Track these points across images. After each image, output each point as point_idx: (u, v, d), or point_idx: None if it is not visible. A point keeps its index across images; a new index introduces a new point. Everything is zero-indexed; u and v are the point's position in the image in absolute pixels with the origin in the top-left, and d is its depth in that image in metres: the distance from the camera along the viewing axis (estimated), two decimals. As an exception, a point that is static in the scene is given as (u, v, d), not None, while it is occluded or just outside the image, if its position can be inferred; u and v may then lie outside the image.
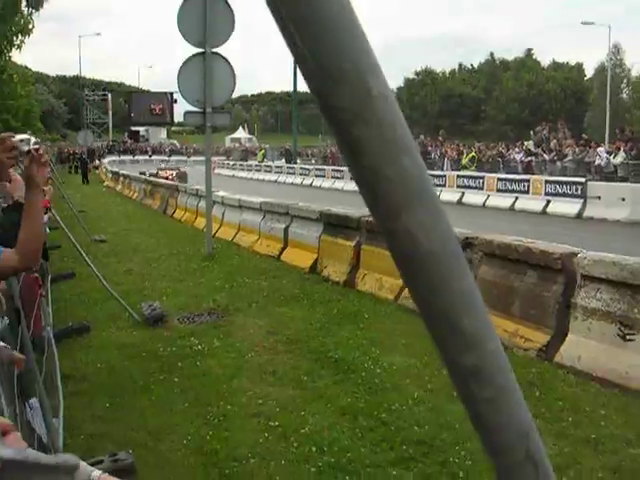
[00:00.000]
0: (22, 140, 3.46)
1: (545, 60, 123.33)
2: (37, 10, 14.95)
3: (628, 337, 7.16)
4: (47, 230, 11.93)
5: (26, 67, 66.82)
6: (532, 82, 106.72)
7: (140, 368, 7.93)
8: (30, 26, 15.26)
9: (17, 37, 15.42)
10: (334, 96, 0.51)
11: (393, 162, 0.53)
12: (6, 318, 4.03)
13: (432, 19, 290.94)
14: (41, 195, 3.37)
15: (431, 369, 7.57)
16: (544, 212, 25.95)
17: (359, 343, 8.73)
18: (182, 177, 45.07)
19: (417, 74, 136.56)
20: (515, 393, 0.64)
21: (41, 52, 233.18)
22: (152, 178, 32.88)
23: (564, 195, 25.66)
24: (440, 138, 45.38)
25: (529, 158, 34.10)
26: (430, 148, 42.10)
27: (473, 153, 36.14)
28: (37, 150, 3.33)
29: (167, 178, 41.07)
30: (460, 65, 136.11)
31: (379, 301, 10.71)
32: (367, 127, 0.52)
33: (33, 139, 3.46)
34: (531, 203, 26.85)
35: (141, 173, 44.87)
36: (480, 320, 0.60)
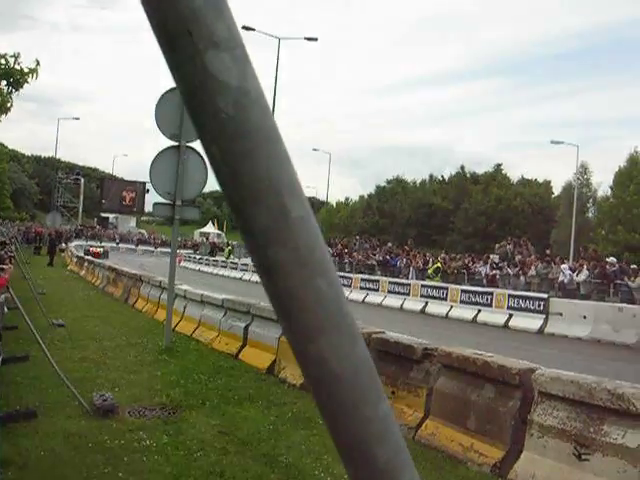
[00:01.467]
0: None
1: (514, 175, 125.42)
2: (17, 90, 15.03)
3: (583, 457, 7.12)
4: (5, 309, 11.79)
5: (2, 144, 66.99)
6: (501, 197, 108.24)
7: (85, 459, 7.73)
8: (8, 104, 15.32)
9: (-6, 114, 15.48)
10: (252, 217, 0.51)
11: (309, 285, 0.52)
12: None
13: (404, 129, 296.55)
14: None
15: (382, 480, 7.46)
16: (506, 326, 26.09)
17: (311, 449, 8.60)
18: (105, 254, 62.14)
19: (388, 182, 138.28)
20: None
21: (18, 131, 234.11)
22: (116, 266, 32.75)
23: (526, 310, 25.87)
24: (407, 247, 45.73)
25: (494, 272, 34.42)
26: (396, 256, 42.40)
27: (438, 264, 36.41)
28: None
29: (94, 254, 56.90)
30: (431, 176, 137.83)
31: (335, 406, 10.59)
32: (284, 249, 0.51)
33: None
34: (494, 316, 27.00)
35: (86, 251, 60.12)
36: (395, 449, 0.59)
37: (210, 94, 0.49)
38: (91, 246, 70.44)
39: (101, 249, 68.57)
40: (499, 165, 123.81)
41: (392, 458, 0.58)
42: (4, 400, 9.62)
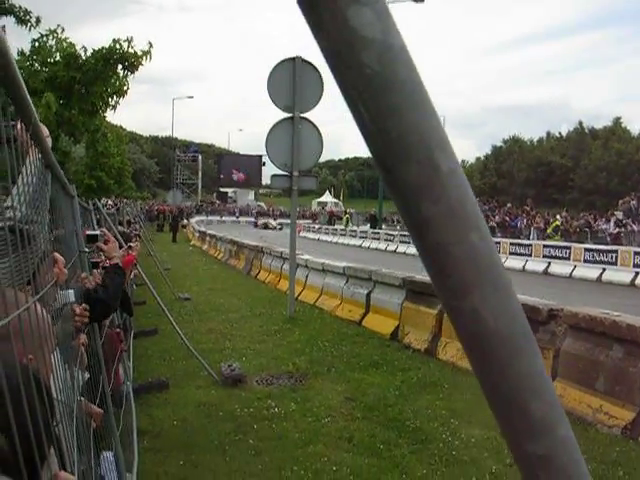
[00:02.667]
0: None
1: (635, 128, 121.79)
2: (132, 73, 15.38)
3: None
4: (133, 286, 12.15)
5: (120, 127, 68.58)
6: (621, 151, 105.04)
7: (216, 427, 7.92)
8: (125, 88, 15.71)
9: (112, 98, 15.88)
10: (402, 173, 0.50)
11: (462, 240, 0.51)
12: (87, 373, 4.08)
13: (521, 86, 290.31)
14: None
15: (511, 443, 7.38)
16: (633, 284, 25.31)
17: (438, 413, 8.59)
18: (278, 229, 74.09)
19: (505, 142, 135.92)
20: (587, 484, 0.61)
21: (135, 113, 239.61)
22: (237, 239, 33.22)
23: (654, 268, 25.07)
24: (526, 207, 44.86)
25: (617, 229, 33.46)
26: (516, 217, 41.65)
27: (557, 222, 35.60)
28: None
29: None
30: (548, 134, 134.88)
31: (460, 371, 10.52)
32: (435, 204, 0.51)
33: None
34: (619, 275, 26.23)
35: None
36: (550, 404, 0.58)
37: (354, 50, 0.48)
38: (263, 221, 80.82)
39: (276, 223, 78.65)
40: (618, 118, 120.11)
41: (547, 413, 0.57)
42: (137, 372, 9.94)
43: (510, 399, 0.56)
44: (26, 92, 1.32)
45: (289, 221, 17.87)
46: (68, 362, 2.69)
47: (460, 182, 0.52)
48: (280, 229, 71.90)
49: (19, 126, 1.35)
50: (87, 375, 4.06)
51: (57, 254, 2.98)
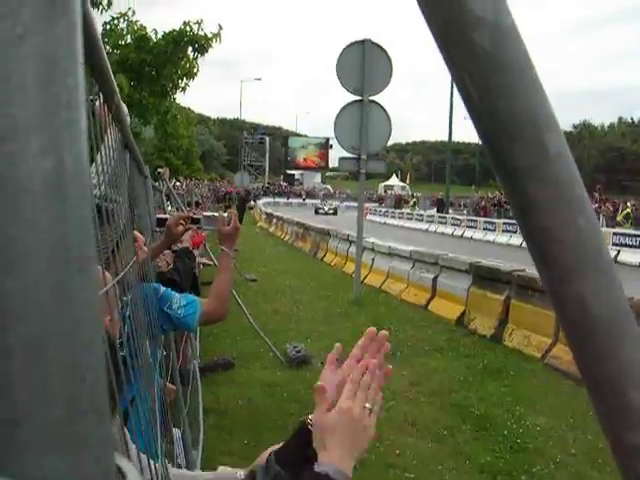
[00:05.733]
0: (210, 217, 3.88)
1: None
2: (202, 55, 15.53)
3: None
4: (201, 266, 12.27)
5: (189, 109, 69.29)
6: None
7: (280, 408, 7.98)
8: (195, 70, 15.87)
9: (182, 80, 16.07)
10: (510, 154, 0.50)
11: (569, 223, 0.51)
12: (164, 350, 4.15)
13: (591, 71, 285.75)
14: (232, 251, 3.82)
15: (576, 432, 7.31)
16: None
17: (503, 400, 8.54)
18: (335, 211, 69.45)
19: (575, 127, 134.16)
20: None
21: (204, 95, 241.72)
22: (304, 221, 33.34)
23: None
24: (596, 194, 44.19)
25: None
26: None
27: (628, 210, 34.97)
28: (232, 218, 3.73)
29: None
30: (620, 119, 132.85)
31: (526, 358, 10.44)
32: (543, 186, 0.50)
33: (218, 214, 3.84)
34: (694, 265, 25.68)
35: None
36: (651, 393, 0.57)
37: (466, 29, 0.48)
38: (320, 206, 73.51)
39: (328, 207, 72.17)
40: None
41: (648, 402, 0.56)
42: (204, 352, 10.06)
43: (610, 387, 0.55)
44: (110, 69, 1.34)
45: (354, 204, 17.87)
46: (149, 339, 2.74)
47: (568, 164, 0.51)
48: (334, 213, 68.49)
49: (99, 102, 1.36)
50: (164, 352, 4.13)
51: (137, 232, 3.02)
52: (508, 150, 0.50)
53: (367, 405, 1.56)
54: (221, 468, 1.96)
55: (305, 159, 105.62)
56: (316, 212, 67.40)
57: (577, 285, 0.52)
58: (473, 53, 0.48)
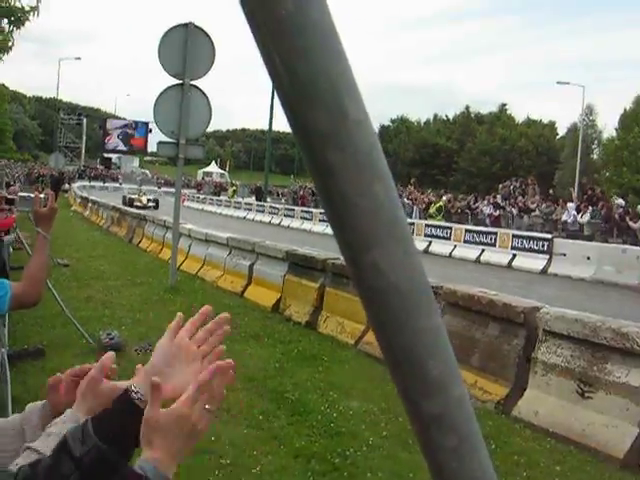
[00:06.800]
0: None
1: (519, 115, 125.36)
2: (18, 28, 14.93)
3: (587, 394, 7.18)
4: (10, 250, 11.80)
5: (3, 85, 66.53)
6: (505, 137, 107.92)
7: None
8: (10, 44, 15.24)
9: (-4, 53, 15.42)
10: (309, 118, 0.49)
11: (366, 190, 0.51)
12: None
13: (410, 68, 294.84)
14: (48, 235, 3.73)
15: (387, 415, 7.53)
16: (509, 266, 26.03)
17: (317, 385, 8.67)
18: (155, 204, 51.36)
19: (392, 121, 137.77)
20: (479, 443, 0.62)
21: (20, 71, 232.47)
22: (120, 206, 32.66)
23: (530, 250, 25.79)
24: (411, 186, 45.59)
25: (497, 212, 34.42)
26: (400, 196, 42.19)
27: (440, 203, 36.28)
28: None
29: (138, 206, 45.15)
30: (435, 116, 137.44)
31: (339, 344, 10.67)
32: (342, 152, 0.50)
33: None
34: (497, 256, 26.91)
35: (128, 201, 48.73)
36: (446, 363, 0.58)
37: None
38: (132, 193, 56.06)
39: (147, 198, 54.36)
40: (504, 105, 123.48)
41: (443, 371, 0.57)
42: (12, 340, 9.70)
43: (406, 356, 0.56)
44: None
45: (172, 190, 17.69)
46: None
47: (368, 131, 0.51)
48: (155, 207, 50.26)
49: None
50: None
51: None
52: (308, 115, 0.49)
53: (207, 407, 1.46)
54: (29, 406, 1.89)
55: (122, 142, 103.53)
56: (129, 204, 46.90)
57: (373, 254, 0.52)
58: (276, 15, 0.47)
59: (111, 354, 1.70)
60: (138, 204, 48.58)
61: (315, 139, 0.50)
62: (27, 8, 14.67)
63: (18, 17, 14.66)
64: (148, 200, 53.59)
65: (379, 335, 0.57)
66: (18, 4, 14.58)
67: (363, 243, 0.52)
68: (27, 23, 14.88)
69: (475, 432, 0.61)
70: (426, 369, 0.56)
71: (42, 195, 3.69)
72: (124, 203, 46.29)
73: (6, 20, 14.75)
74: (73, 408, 1.55)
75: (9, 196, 3.89)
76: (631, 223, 27.65)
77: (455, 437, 0.59)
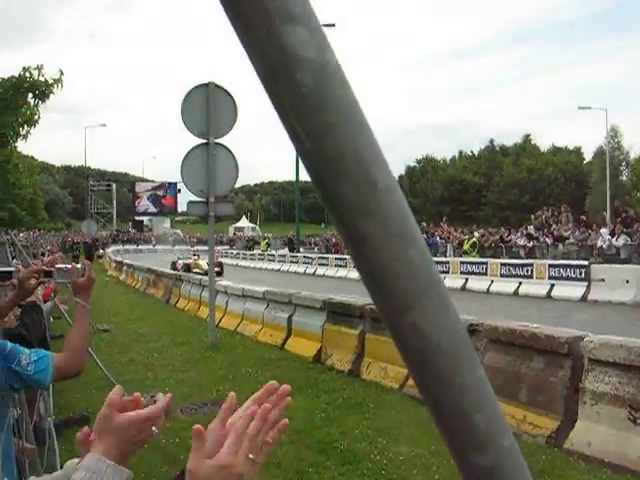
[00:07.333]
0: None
1: (544, 144, 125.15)
2: (43, 101, 15.19)
3: (638, 421, 7.06)
4: (50, 319, 11.90)
5: (32, 157, 67.53)
6: (532, 167, 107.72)
7: (142, 460, 7.78)
8: (36, 117, 15.49)
9: (23, 127, 15.66)
10: (338, 190, 0.50)
11: (400, 256, 0.52)
12: (18, 409, 4.00)
13: (431, 108, 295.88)
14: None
15: (438, 459, 7.44)
16: (549, 296, 25.78)
17: (365, 433, 8.60)
18: (220, 269, 35.82)
19: (418, 162, 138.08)
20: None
21: (47, 143, 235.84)
22: (155, 267, 32.62)
23: (568, 278, 25.54)
24: (442, 225, 45.44)
25: (531, 242, 34.19)
26: (432, 235, 42.10)
27: (474, 239, 36.10)
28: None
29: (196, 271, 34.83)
30: (460, 152, 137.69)
31: (384, 390, 10.59)
32: (373, 221, 0.51)
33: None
34: (535, 287, 26.68)
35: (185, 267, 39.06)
36: (493, 414, 0.58)
37: (289, 69, 0.48)
38: (187, 257, 47.66)
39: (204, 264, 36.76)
40: (528, 136, 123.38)
41: (491, 423, 0.58)
42: (57, 408, 9.73)
43: (453, 412, 0.57)
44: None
45: (205, 248, 17.78)
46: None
47: (397, 198, 0.52)
48: (219, 273, 33.16)
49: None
50: (18, 411, 3.98)
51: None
52: (337, 187, 0.50)
53: (251, 456, 1.35)
54: (67, 462, 1.93)
55: (153, 204, 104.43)
56: (186, 271, 35.46)
57: (412, 316, 0.53)
58: (297, 93, 0.49)
59: (118, 387, 1.70)
60: (198, 271, 36.33)
61: (345, 209, 0.51)
62: (50, 81, 14.93)
63: (42, 91, 14.92)
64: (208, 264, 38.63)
65: (425, 394, 0.57)
66: (42, 78, 14.85)
67: (401, 306, 0.53)
68: (51, 96, 15.13)
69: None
70: (473, 423, 0.57)
71: (79, 265, 3.71)
72: (174, 269, 39.45)
73: (31, 94, 15.01)
74: (91, 450, 1.56)
75: (47, 268, 3.90)
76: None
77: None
